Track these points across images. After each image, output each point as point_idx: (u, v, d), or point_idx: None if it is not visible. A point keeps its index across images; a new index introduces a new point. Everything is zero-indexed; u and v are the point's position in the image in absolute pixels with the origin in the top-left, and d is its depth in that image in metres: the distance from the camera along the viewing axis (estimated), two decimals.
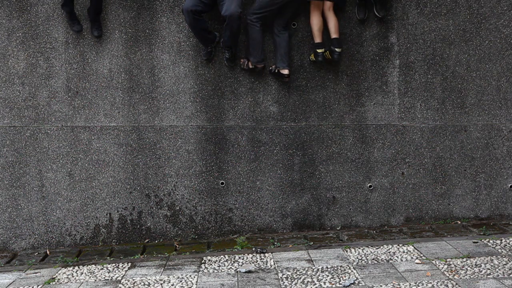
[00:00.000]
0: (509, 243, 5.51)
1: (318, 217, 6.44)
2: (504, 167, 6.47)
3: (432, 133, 6.43)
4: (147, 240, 6.30)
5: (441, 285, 4.53)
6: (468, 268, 4.87)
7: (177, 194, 6.34)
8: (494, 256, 5.15)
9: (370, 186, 6.43)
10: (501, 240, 5.62)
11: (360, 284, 4.66)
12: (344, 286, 4.63)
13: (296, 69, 6.30)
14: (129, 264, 5.50)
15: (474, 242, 5.59)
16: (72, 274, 5.31)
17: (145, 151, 6.31)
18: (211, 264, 5.34)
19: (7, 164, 6.22)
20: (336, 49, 6.11)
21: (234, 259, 5.47)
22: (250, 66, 6.21)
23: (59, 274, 5.33)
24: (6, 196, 6.23)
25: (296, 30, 6.30)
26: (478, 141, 6.45)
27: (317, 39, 6.11)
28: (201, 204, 6.36)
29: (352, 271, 4.97)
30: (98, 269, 5.41)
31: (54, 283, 5.10)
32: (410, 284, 4.58)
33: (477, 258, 5.12)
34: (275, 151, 6.36)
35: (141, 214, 6.33)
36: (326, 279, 4.79)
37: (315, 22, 6.08)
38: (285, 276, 4.93)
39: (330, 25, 6.11)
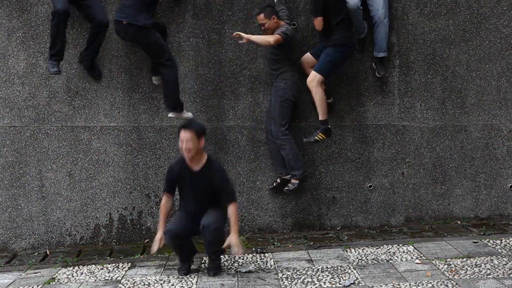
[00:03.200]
0: (509, 243, 5.50)
1: (318, 217, 6.43)
2: (504, 167, 6.47)
3: (432, 133, 6.43)
4: (147, 240, 6.30)
5: (441, 285, 4.53)
6: (468, 268, 4.87)
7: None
8: (494, 256, 5.15)
9: (370, 186, 6.42)
10: (501, 240, 5.62)
11: (360, 284, 4.66)
12: (344, 286, 4.63)
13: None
14: (129, 264, 5.50)
15: (474, 242, 5.59)
16: (72, 274, 5.31)
17: (145, 151, 6.30)
18: None
19: (7, 164, 6.22)
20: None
21: (234, 259, 5.47)
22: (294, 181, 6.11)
23: (59, 274, 5.33)
24: (6, 196, 6.23)
25: (296, 30, 6.29)
26: (478, 141, 6.45)
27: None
28: None
29: (352, 271, 4.97)
30: (98, 269, 5.41)
31: (54, 283, 5.10)
32: (410, 284, 4.58)
33: (477, 258, 5.12)
34: None
35: (141, 214, 6.33)
36: (326, 279, 4.79)
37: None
38: (285, 276, 4.93)
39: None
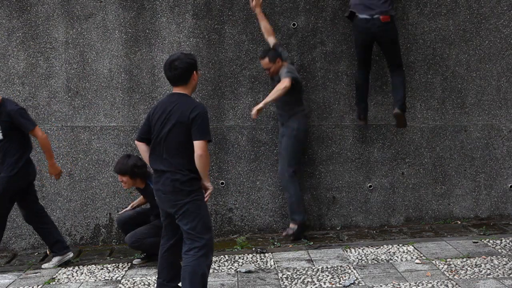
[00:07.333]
0: (509, 243, 5.50)
1: (318, 217, 6.43)
2: (504, 167, 6.47)
3: (432, 133, 6.43)
4: None
5: (441, 285, 4.53)
6: (468, 268, 4.87)
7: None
8: (494, 256, 5.15)
9: (370, 186, 6.42)
10: (501, 240, 5.62)
11: (360, 284, 4.66)
12: (344, 286, 4.63)
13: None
14: (129, 264, 5.50)
15: (474, 242, 5.59)
16: (72, 274, 5.31)
17: None
18: None
19: None
20: None
21: (234, 259, 5.47)
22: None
23: (59, 274, 5.33)
24: None
25: (296, 30, 6.30)
26: (478, 141, 6.45)
27: None
28: None
29: (352, 271, 4.97)
30: (98, 269, 5.41)
31: (54, 283, 5.10)
32: (410, 284, 4.58)
33: (477, 258, 5.12)
34: (275, 151, 6.35)
35: None
36: (326, 279, 4.79)
37: None
38: (285, 276, 4.93)
39: None
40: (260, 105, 5.58)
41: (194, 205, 4.01)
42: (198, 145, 3.95)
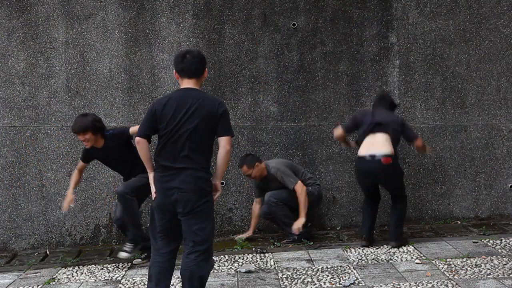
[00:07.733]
0: (509, 243, 5.51)
1: (318, 217, 6.43)
2: (504, 167, 6.47)
3: (432, 133, 6.43)
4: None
5: (441, 285, 4.53)
6: (468, 268, 4.86)
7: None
8: (494, 256, 5.15)
9: None
10: (501, 240, 5.62)
11: (360, 284, 4.65)
12: (344, 286, 4.63)
13: (296, 69, 6.30)
14: (129, 264, 5.50)
15: (474, 242, 5.59)
16: (72, 274, 5.31)
17: None
18: None
19: (7, 164, 6.22)
20: None
21: (234, 259, 5.47)
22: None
23: (59, 274, 5.33)
24: (6, 196, 6.23)
25: (296, 30, 6.30)
26: (478, 141, 6.45)
27: None
28: None
29: (352, 271, 4.97)
30: (98, 269, 5.41)
31: (54, 283, 5.10)
32: (410, 284, 4.58)
33: (477, 258, 5.12)
34: (275, 151, 6.36)
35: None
36: (326, 279, 4.79)
37: None
38: (285, 276, 4.93)
39: None
40: (302, 220, 5.76)
41: (208, 206, 3.86)
42: (226, 140, 3.88)
